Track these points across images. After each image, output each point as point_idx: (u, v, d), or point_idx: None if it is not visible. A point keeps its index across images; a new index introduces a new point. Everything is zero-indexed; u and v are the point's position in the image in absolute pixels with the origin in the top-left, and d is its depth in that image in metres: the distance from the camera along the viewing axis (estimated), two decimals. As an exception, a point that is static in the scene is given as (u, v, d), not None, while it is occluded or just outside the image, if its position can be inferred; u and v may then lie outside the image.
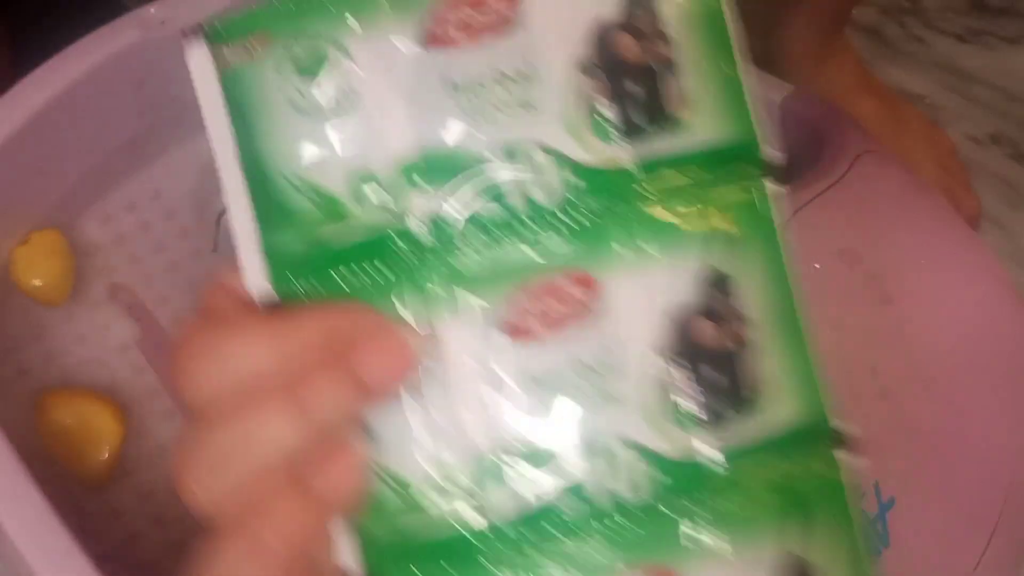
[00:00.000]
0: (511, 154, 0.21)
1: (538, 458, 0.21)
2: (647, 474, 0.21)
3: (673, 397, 0.21)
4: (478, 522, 0.21)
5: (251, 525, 0.20)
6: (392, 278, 0.21)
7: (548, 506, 0.21)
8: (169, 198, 0.48)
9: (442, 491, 0.21)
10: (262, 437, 0.19)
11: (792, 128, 0.45)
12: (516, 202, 0.21)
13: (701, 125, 0.21)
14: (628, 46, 0.21)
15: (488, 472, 0.21)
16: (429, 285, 0.21)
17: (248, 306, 0.21)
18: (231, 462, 0.20)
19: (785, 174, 0.43)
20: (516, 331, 0.21)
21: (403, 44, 0.21)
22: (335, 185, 0.21)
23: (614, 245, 0.21)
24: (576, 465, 0.21)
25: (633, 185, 0.21)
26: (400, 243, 0.21)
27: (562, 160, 0.21)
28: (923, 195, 0.40)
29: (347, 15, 0.21)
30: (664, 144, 0.21)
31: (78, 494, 0.39)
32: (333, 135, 0.21)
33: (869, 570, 0.22)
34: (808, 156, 0.41)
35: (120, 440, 0.39)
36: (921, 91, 0.67)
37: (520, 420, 0.21)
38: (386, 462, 0.21)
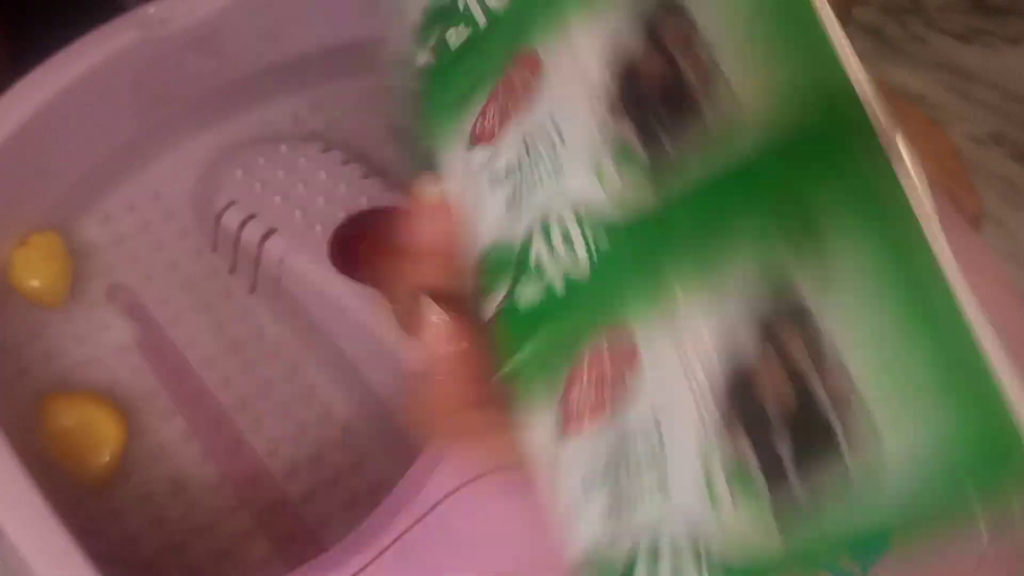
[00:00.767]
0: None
1: None
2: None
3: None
4: None
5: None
6: None
7: None
8: (169, 198, 0.48)
9: None
10: None
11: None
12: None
13: None
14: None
15: None
16: None
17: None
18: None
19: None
20: None
21: None
22: None
23: None
24: None
25: None
26: None
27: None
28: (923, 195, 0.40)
29: None
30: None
31: (78, 494, 0.39)
32: None
33: None
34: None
35: (121, 444, 0.39)
36: (921, 91, 0.67)
37: None
38: None
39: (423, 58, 0.24)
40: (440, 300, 0.23)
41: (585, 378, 0.19)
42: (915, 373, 0.14)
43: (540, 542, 0.28)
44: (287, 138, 0.48)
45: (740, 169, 0.16)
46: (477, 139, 0.22)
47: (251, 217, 0.44)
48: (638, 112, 0.18)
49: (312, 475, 0.41)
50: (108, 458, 0.39)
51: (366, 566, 0.27)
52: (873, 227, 0.15)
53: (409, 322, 0.23)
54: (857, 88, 0.16)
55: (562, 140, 0.20)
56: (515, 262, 0.21)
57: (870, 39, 0.71)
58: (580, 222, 0.19)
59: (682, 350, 0.17)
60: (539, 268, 0.20)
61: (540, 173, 0.20)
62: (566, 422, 0.20)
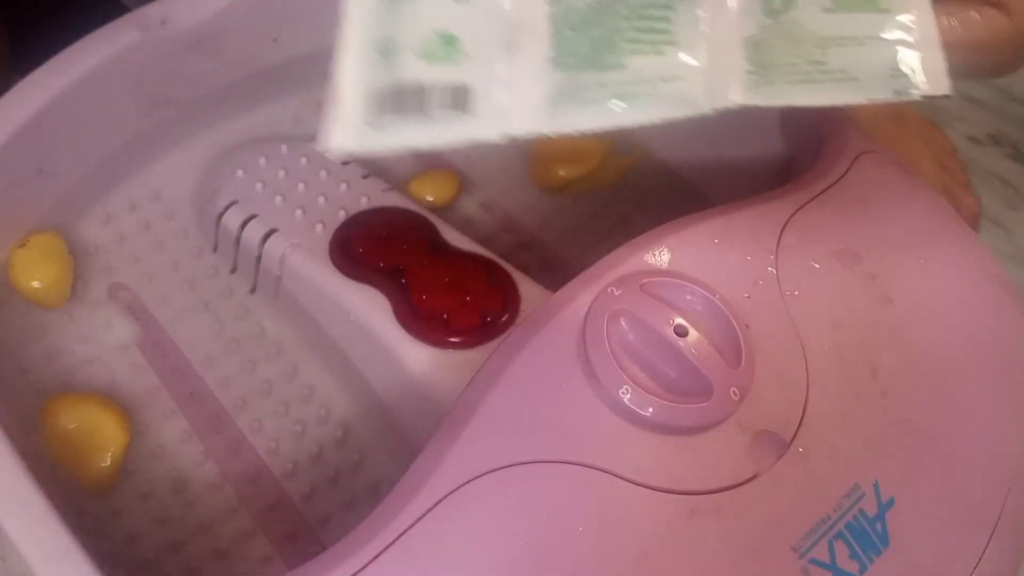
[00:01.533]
0: None
1: None
2: None
3: None
4: None
5: None
6: None
7: None
8: (170, 198, 0.48)
9: None
10: None
11: (792, 128, 0.45)
12: None
13: None
14: None
15: None
16: None
17: None
18: None
19: (785, 174, 0.43)
20: None
21: None
22: None
23: None
24: None
25: None
26: None
27: None
28: (923, 195, 0.40)
29: None
30: None
31: (78, 494, 0.39)
32: None
33: None
34: (808, 156, 0.41)
35: (124, 448, 0.39)
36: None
37: None
38: None
39: None
40: None
41: None
42: None
43: (540, 541, 0.28)
44: (288, 138, 0.49)
45: None
46: None
47: (252, 217, 0.44)
48: None
49: (312, 475, 0.41)
50: (109, 462, 0.39)
51: (366, 565, 0.27)
52: None
53: None
54: None
55: None
56: None
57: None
58: None
59: None
60: None
61: None
62: None
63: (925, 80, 0.25)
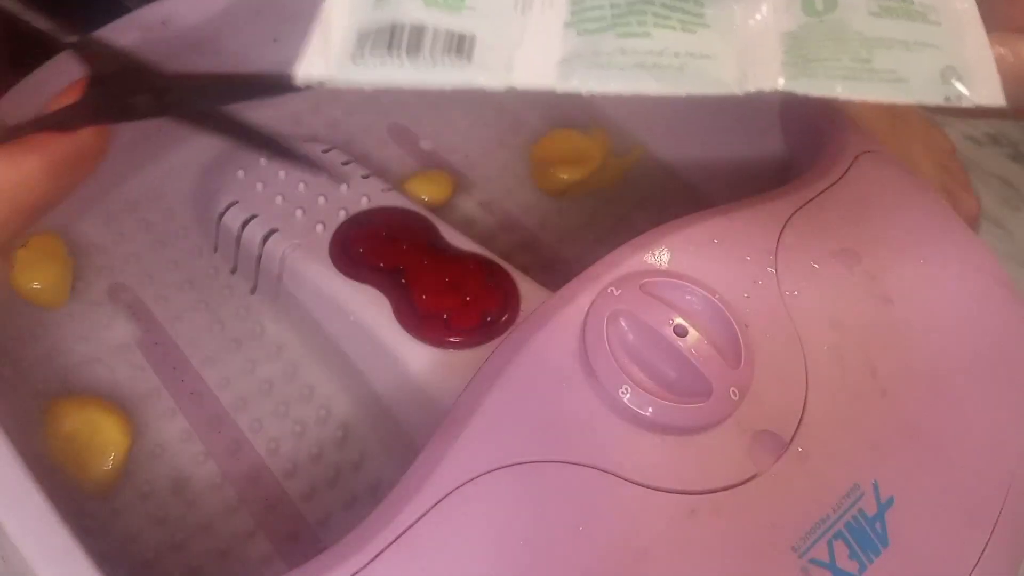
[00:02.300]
0: None
1: None
2: None
3: None
4: None
5: None
6: None
7: None
8: (170, 198, 0.48)
9: None
10: None
11: (792, 128, 0.45)
12: None
13: None
14: None
15: None
16: None
17: None
18: None
19: (785, 174, 0.43)
20: None
21: None
22: None
23: None
24: None
25: None
26: None
27: None
28: (922, 195, 0.40)
29: None
30: None
31: (79, 495, 0.39)
32: None
33: None
34: (807, 156, 0.41)
35: (125, 452, 0.39)
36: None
37: None
38: None
39: None
40: None
41: None
42: None
43: (540, 541, 0.28)
44: (288, 138, 0.49)
45: None
46: None
47: (253, 217, 0.44)
48: None
49: (312, 474, 0.41)
50: (111, 466, 0.39)
51: (366, 565, 0.27)
52: None
53: None
54: None
55: None
56: None
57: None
58: None
59: None
60: None
61: None
62: None
63: (979, 88, 0.24)
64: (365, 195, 0.45)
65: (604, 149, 0.51)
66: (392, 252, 0.42)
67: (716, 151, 0.49)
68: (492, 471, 0.28)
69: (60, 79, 0.40)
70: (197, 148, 0.49)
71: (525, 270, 0.42)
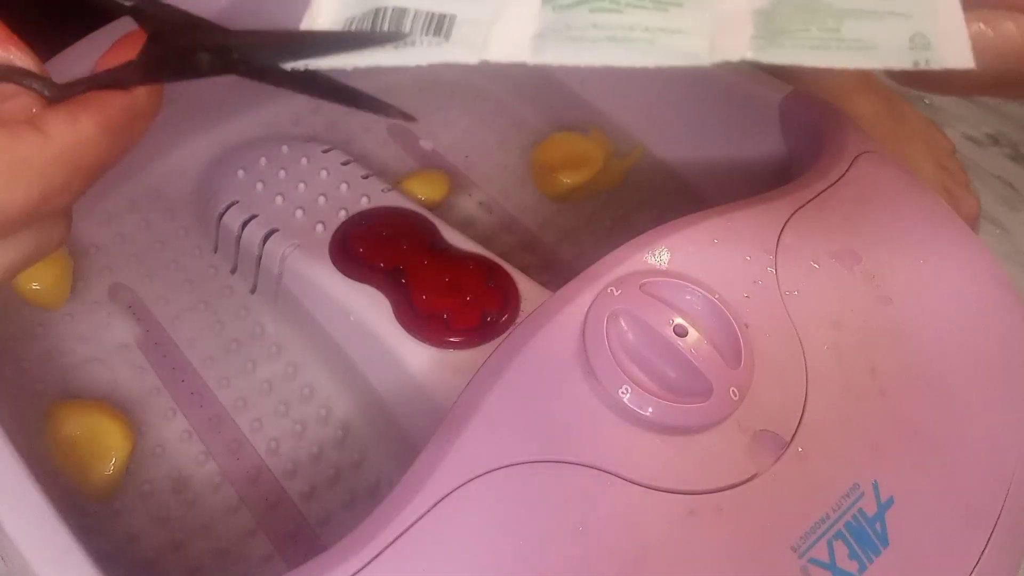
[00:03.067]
0: None
1: None
2: None
3: None
4: None
5: None
6: None
7: None
8: (170, 198, 0.48)
9: None
10: None
11: (792, 128, 0.45)
12: None
13: None
14: None
15: None
16: None
17: None
18: None
19: (785, 174, 0.43)
20: None
21: None
22: None
23: None
24: None
25: None
26: None
27: None
28: (922, 195, 0.40)
29: None
30: None
31: (79, 497, 0.39)
32: None
33: None
34: (807, 156, 0.41)
35: (127, 457, 0.39)
36: (920, 91, 0.67)
37: None
38: None
39: None
40: None
41: None
42: None
43: (540, 541, 0.28)
44: (288, 138, 0.49)
45: None
46: None
47: (253, 217, 0.44)
48: None
49: (312, 474, 0.41)
50: (112, 470, 0.39)
51: (366, 565, 0.27)
52: None
53: None
54: None
55: None
56: None
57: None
58: None
59: None
60: None
61: None
62: None
63: (949, 51, 0.24)
64: (365, 195, 0.45)
65: (605, 151, 0.51)
66: (392, 252, 0.42)
67: (716, 151, 0.49)
68: (492, 471, 0.28)
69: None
70: (197, 148, 0.49)
71: (525, 270, 0.42)
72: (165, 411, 0.42)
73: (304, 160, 0.47)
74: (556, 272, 0.49)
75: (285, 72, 0.25)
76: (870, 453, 0.32)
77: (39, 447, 0.39)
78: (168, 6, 0.27)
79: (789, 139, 0.45)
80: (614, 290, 0.32)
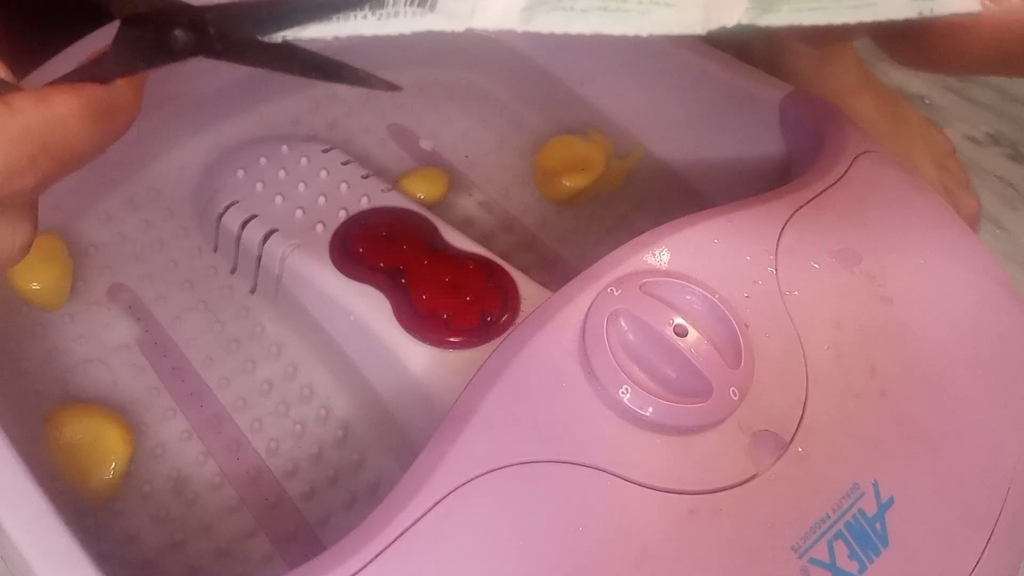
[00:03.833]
0: None
1: None
2: None
3: None
4: None
5: None
6: None
7: None
8: (170, 198, 0.48)
9: None
10: None
11: (792, 128, 0.45)
12: None
13: None
14: None
15: None
16: None
17: None
18: None
19: (785, 174, 0.43)
20: None
21: None
22: None
23: None
24: None
25: None
26: None
27: None
28: (922, 195, 0.40)
29: None
30: None
31: (80, 500, 0.39)
32: None
33: None
34: (807, 156, 0.41)
35: (126, 460, 0.39)
36: (921, 91, 0.67)
37: None
38: None
39: None
40: None
41: None
42: None
43: (540, 541, 0.28)
44: (288, 138, 0.49)
45: None
46: None
47: (252, 217, 0.44)
48: None
49: (312, 474, 0.41)
50: (112, 474, 0.39)
51: (366, 565, 0.27)
52: None
53: None
54: None
55: None
56: None
57: (868, 39, 0.71)
58: None
59: None
60: None
61: None
62: None
63: None
64: (365, 195, 0.45)
65: (606, 153, 0.51)
66: (392, 252, 0.42)
67: (716, 151, 0.49)
68: (492, 471, 0.28)
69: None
70: (197, 148, 0.49)
71: (525, 270, 0.42)
72: (165, 411, 0.42)
73: (304, 160, 0.47)
74: (556, 272, 0.49)
75: (264, 48, 0.25)
76: (870, 453, 0.32)
77: (39, 450, 0.39)
78: None
79: (789, 139, 0.45)
80: (614, 290, 0.32)
